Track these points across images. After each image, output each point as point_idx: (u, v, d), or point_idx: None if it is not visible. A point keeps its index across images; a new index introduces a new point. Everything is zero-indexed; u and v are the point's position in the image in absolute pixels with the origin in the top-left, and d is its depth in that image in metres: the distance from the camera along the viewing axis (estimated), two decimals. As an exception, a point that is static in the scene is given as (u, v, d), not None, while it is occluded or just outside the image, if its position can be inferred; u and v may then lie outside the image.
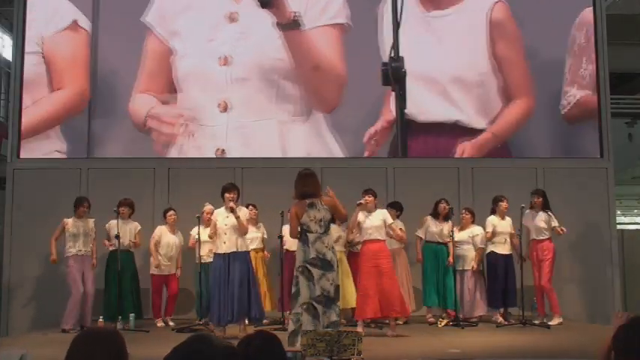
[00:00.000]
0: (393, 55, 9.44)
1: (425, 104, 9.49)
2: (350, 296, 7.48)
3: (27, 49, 9.45)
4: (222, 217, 7.09)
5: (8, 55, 13.27)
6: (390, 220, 7.35)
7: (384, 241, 7.28)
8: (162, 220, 8.36)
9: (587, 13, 9.87)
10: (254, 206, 8.28)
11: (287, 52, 9.38)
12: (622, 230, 11.58)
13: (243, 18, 9.47)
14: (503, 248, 8.17)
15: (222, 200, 7.17)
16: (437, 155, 9.52)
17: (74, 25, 9.47)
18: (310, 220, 5.87)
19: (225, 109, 9.33)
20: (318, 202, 5.95)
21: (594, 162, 9.66)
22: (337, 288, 5.96)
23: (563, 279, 9.04)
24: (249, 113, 9.37)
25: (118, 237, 7.74)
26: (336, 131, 9.40)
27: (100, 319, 7.54)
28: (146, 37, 9.47)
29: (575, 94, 9.72)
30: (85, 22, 9.48)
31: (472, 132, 9.51)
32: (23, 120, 9.34)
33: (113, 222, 7.94)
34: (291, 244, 7.50)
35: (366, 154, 9.45)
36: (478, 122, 9.53)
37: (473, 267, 8.17)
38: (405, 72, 9.37)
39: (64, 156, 9.33)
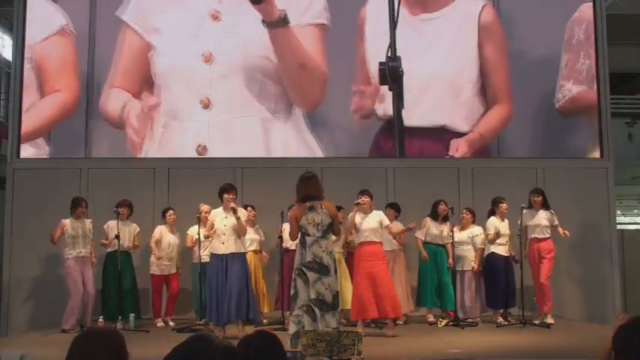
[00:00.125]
0: (390, 54, 9.44)
1: (413, 108, 9.46)
2: (348, 297, 7.47)
3: (27, 49, 9.46)
4: (220, 217, 7.08)
5: (8, 55, 13.27)
6: (386, 221, 7.34)
7: (381, 243, 7.26)
8: (162, 220, 8.36)
9: (587, 9, 9.88)
10: (252, 207, 8.28)
11: (271, 50, 9.36)
12: (622, 230, 11.58)
13: (225, 16, 9.45)
14: (503, 249, 8.16)
15: (219, 200, 7.16)
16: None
17: (62, 31, 9.45)
18: (308, 222, 5.87)
19: (207, 106, 9.32)
20: (319, 205, 5.94)
21: (594, 162, 9.67)
22: (336, 295, 5.93)
23: (563, 279, 9.04)
24: (231, 110, 9.35)
25: (117, 237, 7.74)
26: (316, 129, 9.40)
27: (100, 319, 7.53)
28: (121, 32, 9.43)
29: (571, 88, 9.73)
30: (73, 26, 9.46)
31: (459, 136, 9.53)
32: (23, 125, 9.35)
33: (112, 222, 7.93)
34: (291, 243, 7.50)
35: (352, 107, 9.41)
36: (464, 126, 9.55)
37: (473, 268, 8.17)
38: (402, 71, 9.36)
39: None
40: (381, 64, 9.40)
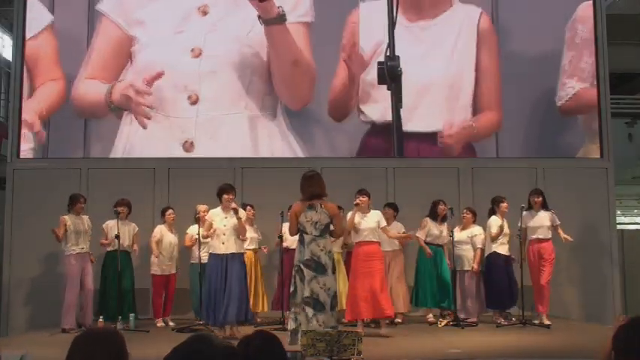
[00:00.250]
0: (388, 53, 9.44)
1: (411, 111, 9.45)
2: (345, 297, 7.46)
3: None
4: (219, 217, 7.06)
5: (8, 55, 13.27)
6: (383, 222, 7.32)
7: (379, 243, 7.26)
8: (161, 220, 8.36)
9: (589, 7, 9.88)
10: (252, 206, 8.28)
11: (261, 46, 9.35)
12: (622, 230, 11.57)
13: (214, 11, 9.44)
14: (505, 249, 8.15)
15: (217, 200, 7.16)
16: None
17: (48, 27, 9.45)
18: (307, 221, 5.93)
19: (195, 101, 9.29)
20: (319, 204, 5.97)
21: (594, 162, 9.67)
22: (335, 295, 5.96)
23: (563, 279, 9.03)
24: (219, 106, 9.33)
25: (117, 237, 7.74)
26: (301, 128, 9.40)
27: (100, 319, 7.53)
28: (99, 24, 9.41)
29: (575, 86, 9.72)
30: (57, 21, 9.47)
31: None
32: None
33: (111, 222, 7.93)
34: (291, 242, 7.50)
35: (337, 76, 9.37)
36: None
37: (473, 268, 8.16)
38: (400, 71, 9.36)
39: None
40: (379, 63, 9.40)
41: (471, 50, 9.63)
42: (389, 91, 9.40)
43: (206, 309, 6.98)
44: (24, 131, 9.32)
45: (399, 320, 8.09)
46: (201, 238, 7.56)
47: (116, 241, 7.74)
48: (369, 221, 7.18)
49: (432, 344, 6.72)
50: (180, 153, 9.31)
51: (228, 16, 9.46)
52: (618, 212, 12.90)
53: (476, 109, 9.59)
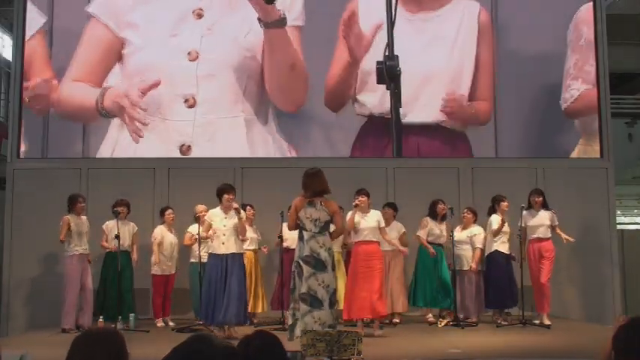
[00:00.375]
0: (387, 53, 9.44)
1: (411, 103, 9.47)
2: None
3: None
4: (219, 217, 7.06)
5: (8, 55, 13.27)
6: (382, 223, 7.32)
7: (378, 242, 7.25)
8: (160, 220, 8.35)
9: (589, 9, 9.88)
10: (251, 206, 8.28)
11: (257, 49, 9.34)
12: (622, 230, 11.58)
13: (209, 14, 9.42)
14: (506, 247, 8.15)
15: (217, 200, 7.15)
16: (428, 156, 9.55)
17: (41, 30, 9.44)
18: (306, 217, 5.97)
19: (192, 105, 9.28)
20: (319, 202, 5.99)
21: (594, 162, 9.67)
22: (334, 293, 5.97)
23: (563, 279, 9.04)
24: (216, 110, 9.32)
25: (117, 237, 7.73)
26: (294, 130, 9.42)
27: (100, 319, 7.53)
28: (87, 25, 9.38)
29: (580, 87, 9.72)
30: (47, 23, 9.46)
31: (454, 133, 9.53)
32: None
33: (111, 223, 7.93)
34: (291, 242, 7.50)
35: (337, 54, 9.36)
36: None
37: (472, 267, 8.16)
38: (399, 70, 9.36)
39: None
40: (378, 63, 9.41)
41: (472, 43, 9.64)
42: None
43: (205, 308, 6.97)
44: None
45: (397, 320, 8.08)
46: (200, 238, 7.56)
47: (116, 241, 7.74)
48: (370, 221, 7.18)
49: (431, 344, 6.72)
50: (177, 156, 9.31)
51: (223, 19, 9.45)
52: (618, 212, 12.90)
53: (471, 100, 9.61)
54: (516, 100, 9.65)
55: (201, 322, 7.52)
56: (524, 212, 8.00)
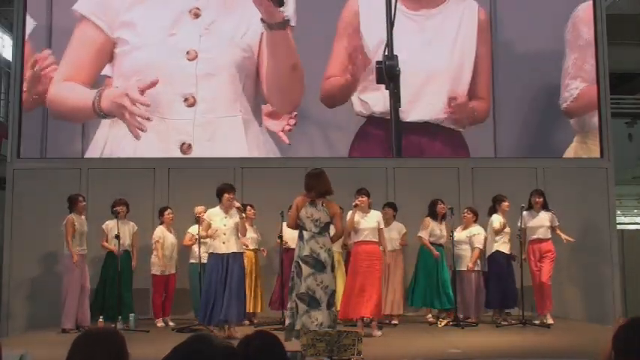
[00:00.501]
0: (387, 53, 9.44)
1: (409, 103, 9.46)
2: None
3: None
4: (219, 217, 7.06)
5: (8, 55, 13.27)
6: (382, 224, 7.31)
7: (378, 243, 7.24)
8: (159, 220, 8.34)
9: (589, 8, 9.87)
10: (252, 206, 8.27)
11: (255, 49, 9.32)
12: (622, 230, 11.58)
13: (205, 14, 9.40)
14: (507, 247, 8.14)
15: (217, 200, 7.15)
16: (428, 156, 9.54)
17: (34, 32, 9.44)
18: (307, 217, 5.97)
19: (192, 104, 9.27)
20: (320, 202, 5.99)
21: (594, 162, 9.66)
22: (332, 294, 5.97)
23: (563, 279, 9.04)
24: (216, 109, 9.31)
25: (118, 237, 7.73)
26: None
27: (100, 319, 7.53)
28: (77, 25, 9.34)
29: (579, 86, 9.71)
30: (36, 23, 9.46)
31: (454, 132, 9.52)
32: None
33: (111, 223, 7.93)
34: (291, 242, 7.49)
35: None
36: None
37: (468, 267, 8.14)
38: (399, 70, 9.36)
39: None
40: (378, 62, 9.41)
41: (472, 41, 9.65)
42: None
43: (204, 307, 6.95)
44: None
45: (396, 322, 8.08)
46: (200, 239, 7.56)
47: (116, 241, 7.74)
48: (370, 221, 7.17)
49: (431, 344, 6.72)
50: (177, 155, 9.30)
51: (220, 18, 9.43)
52: (618, 212, 12.90)
53: (470, 99, 9.61)
54: (515, 100, 9.64)
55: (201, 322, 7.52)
56: (524, 213, 8.00)
